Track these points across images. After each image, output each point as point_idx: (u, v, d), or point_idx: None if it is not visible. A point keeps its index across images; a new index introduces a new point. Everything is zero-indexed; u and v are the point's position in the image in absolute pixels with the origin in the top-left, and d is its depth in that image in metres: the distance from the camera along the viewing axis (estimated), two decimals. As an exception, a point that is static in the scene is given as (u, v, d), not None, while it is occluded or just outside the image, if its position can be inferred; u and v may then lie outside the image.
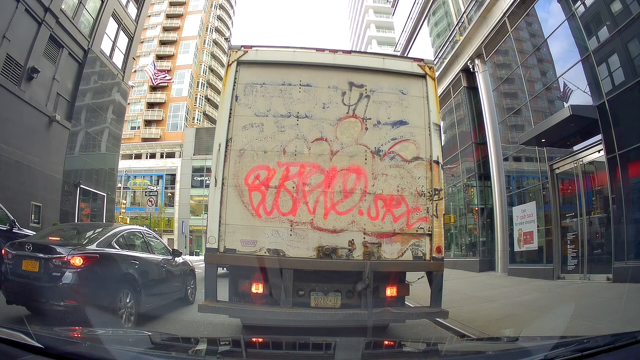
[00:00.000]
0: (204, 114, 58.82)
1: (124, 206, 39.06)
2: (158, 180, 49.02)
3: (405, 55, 22.57)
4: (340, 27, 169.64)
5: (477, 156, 16.50)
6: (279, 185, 4.68)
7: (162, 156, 50.52)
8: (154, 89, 51.79)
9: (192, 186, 47.13)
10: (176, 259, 7.54)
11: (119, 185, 35.23)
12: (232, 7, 68.84)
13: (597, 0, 9.70)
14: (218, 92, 54.43)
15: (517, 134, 13.04)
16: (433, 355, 2.56)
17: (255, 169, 4.71)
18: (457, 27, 17.60)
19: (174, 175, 48.72)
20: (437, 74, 11.41)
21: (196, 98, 57.35)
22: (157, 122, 53.42)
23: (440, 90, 17.47)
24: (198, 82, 57.60)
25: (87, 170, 19.64)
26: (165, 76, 35.58)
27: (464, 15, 16.72)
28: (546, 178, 11.79)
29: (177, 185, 48.20)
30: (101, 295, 5.08)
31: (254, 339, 2.79)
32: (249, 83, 4.91)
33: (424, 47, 21.99)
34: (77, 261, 4.96)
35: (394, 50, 30.30)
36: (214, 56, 60.64)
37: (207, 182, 37.13)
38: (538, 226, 11.96)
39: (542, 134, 10.68)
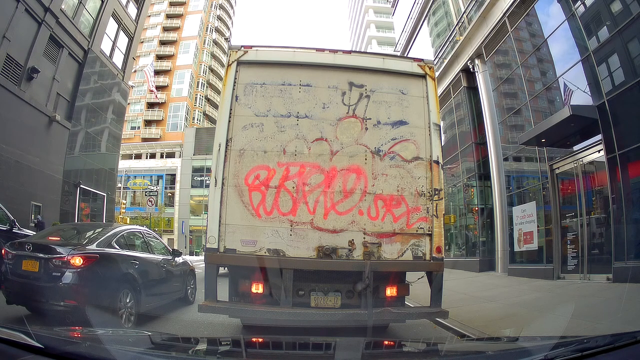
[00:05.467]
0: (204, 114, 58.82)
1: (124, 206, 39.06)
2: (158, 180, 49.02)
3: (405, 55, 22.57)
4: (340, 27, 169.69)
5: (477, 156, 16.50)
6: (279, 185, 4.68)
7: (162, 156, 50.52)
8: (152, 91, 51.82)
9: (192, 186, 47.16)
10: (176, 259, 7.54)
11: (119, 185, 35.25)
12: (232, 7, 68.84)
13: (597, 0, 9.69)
14: (218, 92, 54.44)
15: (517, 134, 13.03)
16: (433, 355, 2.56)
17: (255, 169, 4.71)
18: (457, 27, 17.60)
19: (174, 175, 48.73)
20: (437, 74, 11.42)
21: (196, 98, 57.35)
22: (157, 122, 53.41)
23: (440, 90, 17.48)
24: (198, 82, 57.60)
25: (87, 170, 19.65)
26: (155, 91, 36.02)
27: (464, 15, 16.72)
28: (546, 178, 11.79)
29: (177, 185, 48.21)
30: (101, 295, 5.08)
31: (254, 339, 2.79)
32: (249, 83, 4.91)
33: (424, 47, 21.98)
34: (77, 261, 4.96)
35: (394, 50, 30.30)
36: (214, 56, 60.64)
37: (207, 182, 37.14)
38: (538, 226, 11.95)
39: (542, 134, 10.68)
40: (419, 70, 5.09)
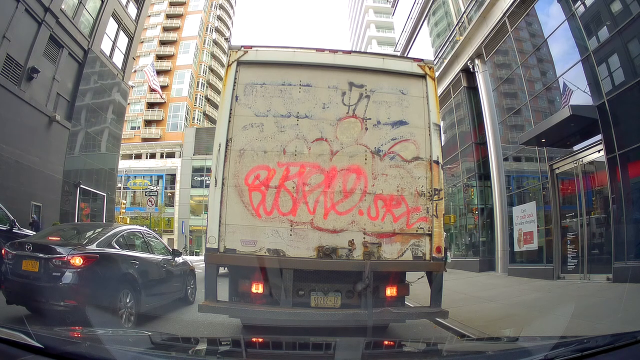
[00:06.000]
0: (204, 114, 58.82)
1: (124, 206, 39.05)
2: (158, 180, 49.02)
3: (405, 55, 22.57)
4: (340, 27, 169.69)
5: (477, 156, 16.50)
6: (279, 185, 4.68)
7: (162, 156, 50.52)
8: (154, 90, 51.81)
9: (192, 186, 47.15)
10: (176, 259, 7.54)
11: (119, 185, 35.23)
12: (232, 7, 68.83)
13: (597, 0, 9.70)
14: (218, 92, 54.44)
15: (517, 134, 13.04)
16: (433, 355, 2.56)
17: (255, 169, 4.71)
18: (457, 27, 17.61)
19: (174, 175, 48.72)
20: (437, 74, 11.42)
21: (196, 98, 57.35)
22: (157, 122, 53.41)
23: (440, 90, 17.48)
24: (198, 82, 57.60)
25: (87, 170, 19.65)
26: (158, 88, 35.72)
27: (464, 15, 16.72)
28: (546, 178, 11.79)
29: (177, 185, 48.21)
30: (101, 295, 5.08)
31: (254, 339, 2.79)
32: (249, 83, 4.91)
33: (424, 47, 21.99)
34: (77, 261, 4.95)
35: (394, 50, 30.30)
36: (214, 56, 60.63)
37: (207, 182, 37.15)
38: (538, 226, 11.96)
39: (542, 134, 10.68)
40: (419, 71, 5.09)
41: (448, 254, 15.12)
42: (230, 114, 4.80)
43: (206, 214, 8.15)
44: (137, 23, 21.98)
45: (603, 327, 4.96)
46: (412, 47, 24.21)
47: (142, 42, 44.13)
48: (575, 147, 10.76)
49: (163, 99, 47.66)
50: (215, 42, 61.18)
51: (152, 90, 40.47)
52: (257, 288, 4.64)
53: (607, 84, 9.29)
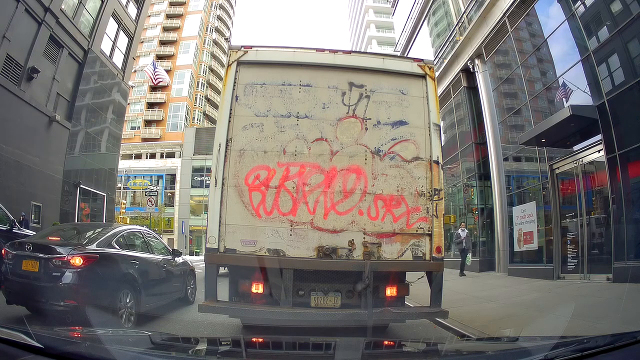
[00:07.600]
0: (204, 114, 58.82)
1: (124, 206, 39.05)
2: (158, 180, 49.01)
3: (405, 55, 22.57)
4: (340, 27, 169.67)
5: (477, 156, 16.50)
6: (279, 185, 4.68)
7: (162, 156, 50.50)
8: (154, 88, 51.74)
9: (192, 186, 47.14)
10: (176, 259, 7.54)
11: (119, 185, 35.23)
12: (232, 7, 68.83)
13: (597, 0, 9.70)
14: (218, 92, 54.42)
15: (517, 134, 13.04)
16: (433, 355, 2.56)
17: (255, 169, 4.71)
18: (457, 27, 17.60)
19: (174, 175, 48.71)
20: (437, 74, 11.41)
21: (196, 98, 57.34)
22: (157, 122, 53.39)
23: (440, 90, 17.48)
24: (198, 82, 57.59)
25: (87, 170, 19.65)
26: (163, 78, 35.25)
27: (464, 15, 16.72)
28: (546, 178, 11.79)
29: (177, 185, 48.20)
30: (101, 295, 5.08)
31: (254, 339, 2.79)
32: (249, 83, 4.91)
33: (424, 47, 21.99)
34: (77, 261, 4.96)
35: (394, 50, 30.30)
36: (214, 56, 60.63)
37: (207, 182, 37.13)
38: (538, 226, 11.95)
39: (542, 134, 10.68)
40: (419, 71, 5.09)
41: (469, 255, 14.04)
42: (230, 114, 4.80)
43: (206, 214, 8.16)
44: (137, 23, 21.99)
45: (603, 327, 4.95)
46: (412, 47, 24.20)
47: (142, 42, 44.09)
48: (575, 147, 10.76)
49: (167, 83, 46.50)
50: (215, 42, 61.17)
51: (157, 82, 39.31)
52: (257, 288, 4.64)
53: (607, 84, 9.29)
